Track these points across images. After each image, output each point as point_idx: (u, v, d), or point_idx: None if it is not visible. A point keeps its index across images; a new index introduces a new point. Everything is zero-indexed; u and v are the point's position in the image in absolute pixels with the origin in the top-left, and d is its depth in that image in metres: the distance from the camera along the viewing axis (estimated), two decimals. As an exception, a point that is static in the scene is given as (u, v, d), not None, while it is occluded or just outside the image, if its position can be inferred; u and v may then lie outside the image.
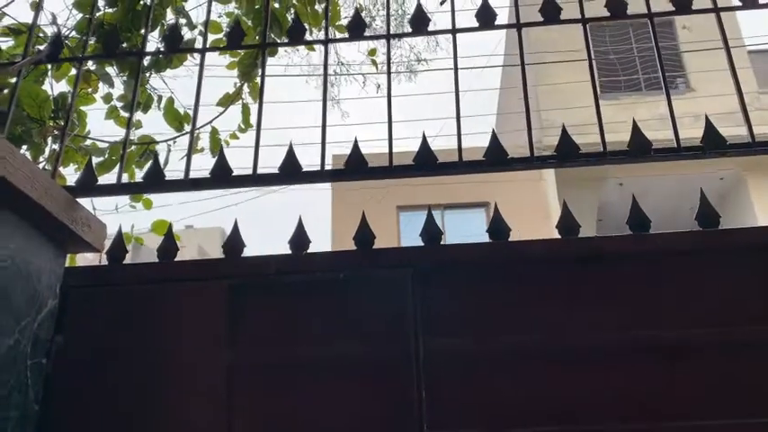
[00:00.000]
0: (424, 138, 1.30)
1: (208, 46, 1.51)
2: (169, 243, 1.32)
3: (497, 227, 1.24)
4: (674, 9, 1.35)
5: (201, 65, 1.38)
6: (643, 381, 1.11)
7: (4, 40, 2.07)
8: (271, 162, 1.52)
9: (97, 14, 1.65)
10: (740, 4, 1.37)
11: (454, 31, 1.40)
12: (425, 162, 1.28)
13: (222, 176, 1.30)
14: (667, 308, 1.16)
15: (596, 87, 1.43)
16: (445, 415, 1.13)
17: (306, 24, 1.70)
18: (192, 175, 1.36)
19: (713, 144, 1.24)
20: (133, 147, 2.10)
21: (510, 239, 1.26)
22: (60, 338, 1.23)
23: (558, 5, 1.38)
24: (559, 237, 1.28)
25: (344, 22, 3.36)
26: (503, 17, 1.47)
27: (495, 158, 1.26)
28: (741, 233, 1.21)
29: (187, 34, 2.09)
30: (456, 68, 1.35)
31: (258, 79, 2.31)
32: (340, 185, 11.92)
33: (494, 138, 1.27)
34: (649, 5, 1.37)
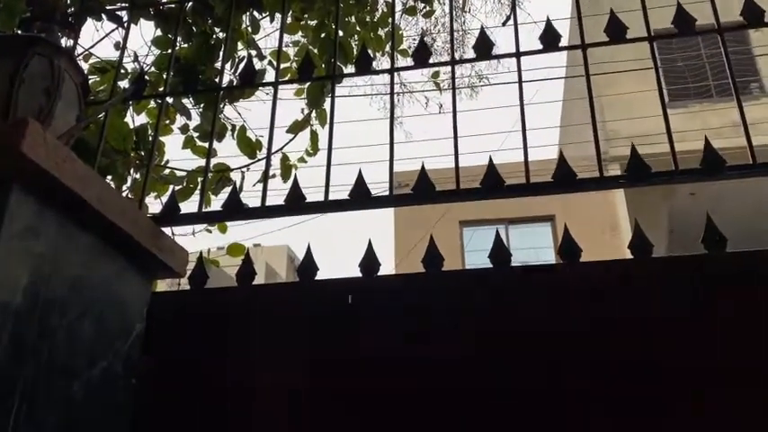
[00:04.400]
0: (491, 161, 1.32)
1: (280, 81, 1.57)
2: (247, 267, 1.38)
3: (568, 247, 1.24)
4: (745, 23, 1.33)
5: (275, 97, 1.45)
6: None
7: (90, 77, 2.22)
8: (335, 180, 1.57)
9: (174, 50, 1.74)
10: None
11: (518, 54, 1.41)
12: (493, 185, 1.30)
13: (296, 204, 1.35)
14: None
15: (664, 102, 1.42)
16: None
17: (369, 50, 1.75)
18: (267, 201, 1.42)
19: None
20: (209, 174, 2.21)
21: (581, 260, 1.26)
22: (147, 360, 1.30)
23: (623, 25, 1.38)
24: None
25: (406, 45, 3.42)
26: (563, 30, 1.48)
27: (564, 179, 1.26)
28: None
29: (257, 64, 2.18)
30: (521, 91, 1.37)
31: (325, 106, 2.39)
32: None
33: (561, 158, 1.28)
34: (719, 21, 1.35)
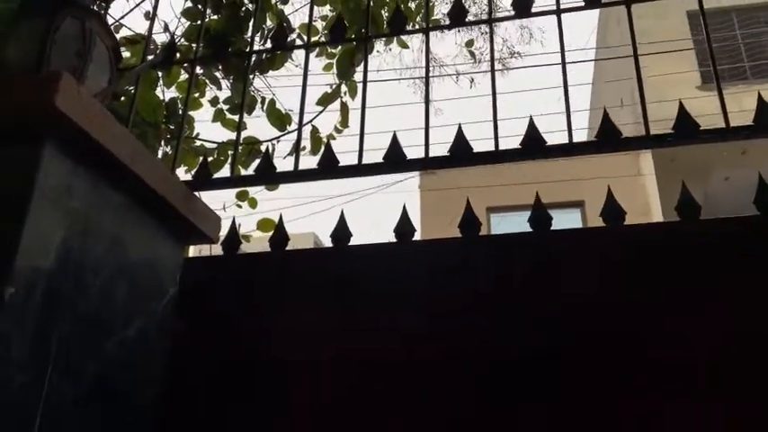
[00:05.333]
0: (531, 121, 1.27)
1: (311, 43, 1.54)
2: (280, 234, 1.36)
3: (612, 211, 1.20)
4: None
5: (306, 60, 1.42)
6: None
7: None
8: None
9: (204, 21, 1.72)
10: None
11: (559, 11, 1.36)
12: (533, 145, 1.25)
13: (330, 167, 1.32)
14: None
15: (715, 62, 1.35)
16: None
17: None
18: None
19: None
20: (239, 147, 2.20)
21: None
22: (180, 324, 1.29)
23: (670, -22, 1.31)
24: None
25: (437, 17, 3.36)
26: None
27: (609, 139, 1.21)
28: None
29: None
30: (563, 49, 1.32)
31: (355, 78, 2.36)
32: (429, 186, 11.94)
33: (606, 118, 1.22)
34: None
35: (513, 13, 1.37)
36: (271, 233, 1.40)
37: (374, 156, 1.40)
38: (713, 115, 1.33)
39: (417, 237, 1.35)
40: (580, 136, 15.25)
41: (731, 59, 11.21)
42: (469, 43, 3.04)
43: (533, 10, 1.37)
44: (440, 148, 1.49)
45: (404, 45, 2.67)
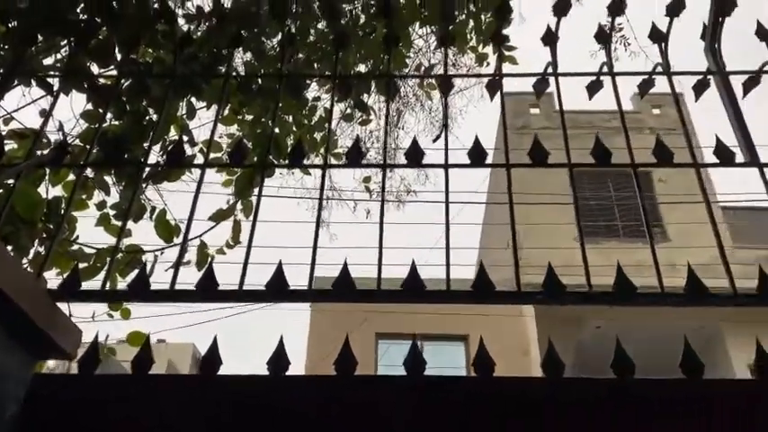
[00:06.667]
0: (413, 264, 1.32)
1: (208, 163, 1.55)
2: (144, 355, 1.28)
3: (482, 362, 1.23)
4: (655, 161, 1.44)
5: (201, 179, 1.42)
6: None
7: (8, 142, 2.12)
8: (256, 280, 1.52)
9: (102, 126, 1.70)
10: (718, 161, 1.46)
11: (446, 166, 1.46)
12: (413, 288, 1.29)
13: (208, 290, 1.29)
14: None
15: (581, 230, 1.48)
16: None
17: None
18: (178, 287, 1.35)
19: (696, 292, 1.27)
20: (120, 255, 2.10)
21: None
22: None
23: (545, 150, 1.46)
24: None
25: (340, 150, 3.50)
26: (489, 158, 1.55)
27: (483, 290, 1.27)
28: (720, 384, 1.22)
29: (188, 151, 2.16)
30: (447, 202, 1.40)
31: (252, 198, 2.37)
32: (320, 309, 11.81)
33: (481, 270, 1.29)
34: (633, 157, 1.46)
35: (405, 162, 1.46)
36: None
37: (267, 270, 1.39)
38: (592, 267, 1.42)
39: (301, 362, 1.32)
40: (469, 272, 15.82)
41: (606, 218, 12.32)
42: (366, 179, 3.20)
43: (424, 162, 1.47)
44: (333, 270, 1.49)
45: (306, 172, 2.75)
